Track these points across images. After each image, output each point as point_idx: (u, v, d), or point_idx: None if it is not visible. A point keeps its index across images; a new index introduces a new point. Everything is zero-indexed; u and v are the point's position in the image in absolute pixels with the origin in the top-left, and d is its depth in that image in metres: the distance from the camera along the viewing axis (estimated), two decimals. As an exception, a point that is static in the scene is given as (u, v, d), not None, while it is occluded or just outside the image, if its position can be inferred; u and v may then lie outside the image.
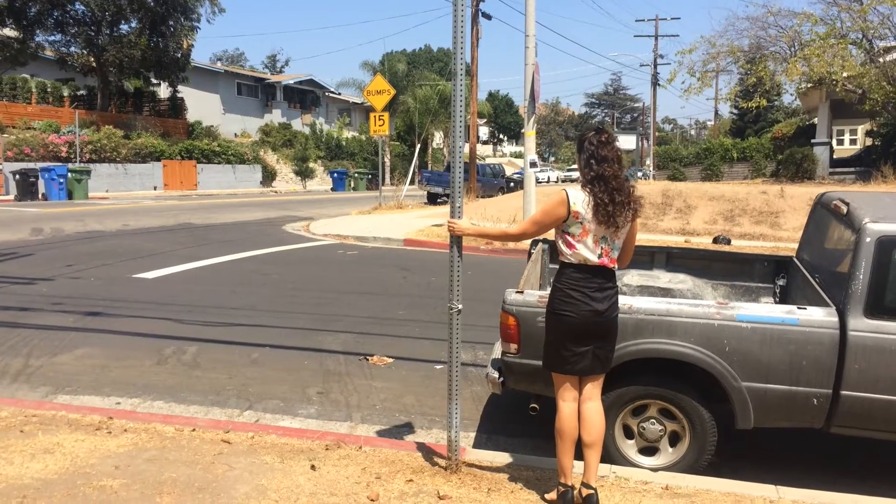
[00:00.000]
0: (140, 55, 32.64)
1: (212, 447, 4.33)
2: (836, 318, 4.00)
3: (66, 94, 34.31)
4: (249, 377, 6.11)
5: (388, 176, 41.13)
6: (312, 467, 4.06)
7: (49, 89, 33.70)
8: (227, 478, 3.89)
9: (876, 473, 4.63)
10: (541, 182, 19.85)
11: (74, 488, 3.69)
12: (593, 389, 3.72)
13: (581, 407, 3.70)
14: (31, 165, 25.54)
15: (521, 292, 4.28)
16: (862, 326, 3.95)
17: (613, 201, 3.50)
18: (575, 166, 4.48)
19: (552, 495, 3.75)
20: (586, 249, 3.56)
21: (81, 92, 35.72)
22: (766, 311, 4.14)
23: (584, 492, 3.65)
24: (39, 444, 4.26)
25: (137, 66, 33.51)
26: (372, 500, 3.69)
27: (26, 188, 24.29)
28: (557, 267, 3.74)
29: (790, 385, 4.03)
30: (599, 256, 3.57)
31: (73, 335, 7.18)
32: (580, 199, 3.53)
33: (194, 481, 3.82)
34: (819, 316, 4.04)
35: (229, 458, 4.17)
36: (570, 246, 3.57)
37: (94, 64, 33.29)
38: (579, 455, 3.72)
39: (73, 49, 33.58)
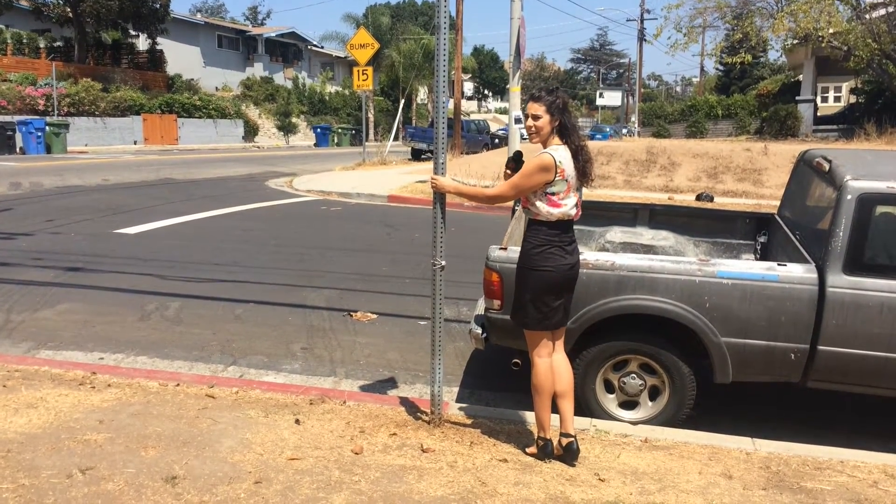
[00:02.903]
0: (118, 5, 31.78)
1: (196, 402, 4.34)
2: (815, 275, 4.04)
3: (42, 45, 33.52)
4: (233, 333, 6.11)
5: (371, 132, 40.92)
6: (297, 421, 4.10)
7: (25, 40, 32.91)
8: (212, 432, 3.91)
9: (850, 427, 4.74)
10: (525, 138, 19.72)
11: (59, 442, 3.70)
12: (560, 342, 3.83)
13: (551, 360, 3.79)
14: (7, 119, 25.06)
15: (505, 249, 4.29)
16: (840, 283, 4.00)
17: (589, 154, 3.66)
18: None
19: (532, 449, 3.81)
20: (570, 204, 3.60)
21: (58, 43, 34.91)
22: (746, 267, 4.18)
23: (564, 441, 3.72)
24: (23, 399, 4.25)
25: (115, 16, 32.69)
26: (356, 453, 3.73)
27: (3, 142, 23.87)
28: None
29: (769, 340, 4.09)
30: (575, 208, 3.63)
31: (54, 290, 7.13)
32: (566, 158, 3.56)
33: (179, 435, 3.85)
34: (798, 272, 4.08)
35: (214, 412, 4.19)
36: (555, 205, 3.57)
37: (70, 14, 32.45)
38: (556, 409, 3.78)
39: (48, -2, 32.76)
